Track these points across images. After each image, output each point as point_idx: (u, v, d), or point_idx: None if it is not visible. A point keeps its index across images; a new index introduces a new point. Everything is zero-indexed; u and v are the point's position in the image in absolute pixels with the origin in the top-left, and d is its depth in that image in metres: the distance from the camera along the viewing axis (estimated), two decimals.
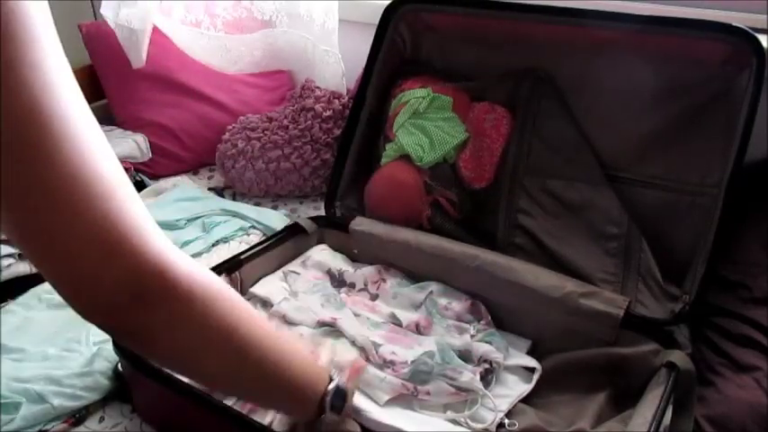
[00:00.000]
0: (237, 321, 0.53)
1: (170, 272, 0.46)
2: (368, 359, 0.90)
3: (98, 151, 0.45)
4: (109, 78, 1.55)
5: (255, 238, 1.19)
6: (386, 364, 0.88)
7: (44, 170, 0.42)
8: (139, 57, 1.47)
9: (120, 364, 0.88)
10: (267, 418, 0.78)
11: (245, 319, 0.54)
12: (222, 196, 1.42)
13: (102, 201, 0.43)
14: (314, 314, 0.96)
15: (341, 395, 0.66)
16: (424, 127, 1.10)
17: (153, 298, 0.46)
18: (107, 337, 0.88)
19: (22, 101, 0.41)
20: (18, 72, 0.41)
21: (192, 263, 0.49)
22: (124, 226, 0.44)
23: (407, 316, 0.99)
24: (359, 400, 0.83)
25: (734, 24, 0.89)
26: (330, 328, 0.94)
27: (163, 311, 0.47)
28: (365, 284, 1.06)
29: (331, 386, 0.65)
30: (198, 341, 0.51)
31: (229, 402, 0.80)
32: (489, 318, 0.98)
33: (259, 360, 0.56)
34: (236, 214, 1.25)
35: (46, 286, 1.06)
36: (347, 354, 0.87)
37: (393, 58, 1.17)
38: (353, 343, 0.91)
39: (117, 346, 0.82)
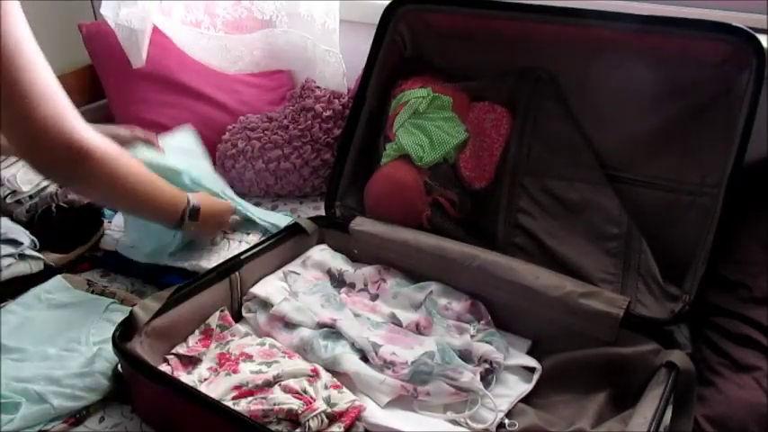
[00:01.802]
0: (134, 170, 0.90)
1: (88, 145, 0.80)
2: (368, 361, 0.90)
3: (49, 75, 0.79)
4: (109, 78, 1.55)
5: (255, 237, 1.19)
6: (386, 364, 0.88)
7: (23, 89, 0.75)
8: (139, 57, 1.47)
9: (119, 365, 0.88)
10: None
11: (137, 167, 0.91)
12: None
13: (49, 103, 0.77)
14: (314, 315, 0.96)
15: (195, 210, 1.00)
16: (424, 127, 1.10)
17: (78, 160, 0.80)
18: (107, 337, 0.88)
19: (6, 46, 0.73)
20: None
21: (101, 139, 0.83)
22: (62, 118, 0.78)
23: (407, 316, 0.99)
24: (360, 401, 0.83)
25: (734, 24, 0.89)
26: (330, 330, 0.94)
27: (85, 167, 0.81)
28: (365, 284, 1.06)
29: (189, 204, 1.00)
30: (109, 183, 0.86)
31: (228, 404, 0.80)
32: (489, 318, 0.98)
33: (146, 189, 0.94)
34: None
35: (46, 286, 1.06)
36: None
37: (393, 57, 1.17)
38: (353, 345, 0.91)
39: (116, 347, 0.82)
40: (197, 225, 1.01)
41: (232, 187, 1.44)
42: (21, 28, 0.74)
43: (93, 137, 0.81)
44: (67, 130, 0.78)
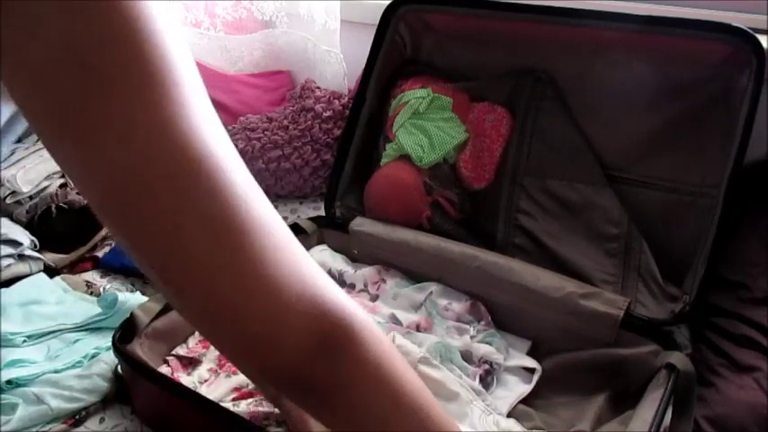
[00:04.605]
0: (405, 375, 0.47)
1: (350, 318, 0.43)
2: None
3: (259, 197, 0.42)
4: None
5: None
6: None
7: (204, 221, 0.38)
8: None
9: (119, 366, 0.88)
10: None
11: (410, 374, 0.48)
12: None
13: (274, 250, 0.41)
14: None
15: None
16: (424, 127, 1.10)
17: (338, 346, 0.42)
18: (106, 339, 0.88)
19: (169, 144, 0.38)
20: (164, 112, 0.39)
21: (357, 311, 0.45)
22: (301, 274, 0.42)
23: (407, 317, 0.99)
24: None
25: (734, 24, 0.88)
26: None
27: (348, 359, 0.43)
28: (365, 285, 1.06)
29: None
30: (378, 394, 0.45)
31: (228, 405, 0.80)
32: (489, 318, 0.98)
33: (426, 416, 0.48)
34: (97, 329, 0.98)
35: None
36: None
37: (393, 58, 1.17)
38: None
39: (116, 349, 0.82)
40: None
41: None
42: (219, 135, 0.43)
43: (356, 314, 0.44)
44: (320, 292, 0.43)
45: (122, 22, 0.36)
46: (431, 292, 1.01)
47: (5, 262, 1.07)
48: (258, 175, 1.36)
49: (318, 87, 1.45)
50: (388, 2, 1.13)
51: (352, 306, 0.44)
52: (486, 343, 0.92)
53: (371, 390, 0.45)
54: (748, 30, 0.88)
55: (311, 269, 0.43)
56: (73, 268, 1.16)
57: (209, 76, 1.56)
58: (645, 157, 0.99)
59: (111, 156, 0.36)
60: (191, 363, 0.90)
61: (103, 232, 1.21)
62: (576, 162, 1.02)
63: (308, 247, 1.11)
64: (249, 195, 0.40)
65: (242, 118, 1.46)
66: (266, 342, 0.41)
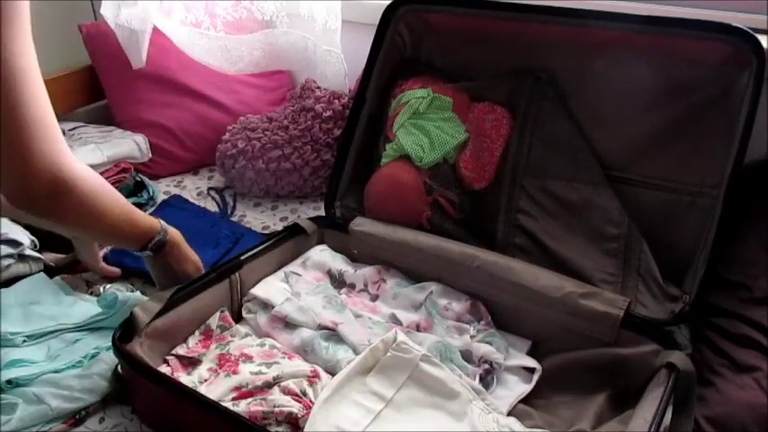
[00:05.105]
0: (112, 203, 0.85)
1: (73, 179, 0.76)
2: None
3: (47, 105, 0.73)
4: (109, 78, 1.55)
5: None
6: None
7: (22, 121, 0.70)
8: (139, 57, 1.47)
9: (119, 366, 0.88)
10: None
11: (115, 200, 0.86)
12: (222, 196, 1.42)
13: (45, 136, 0.73)
14: (315, 315, 0.96)
15: (160, 244, 0.94)
16: (424, 127, 1.10)
17: (62, 194, 0.75)
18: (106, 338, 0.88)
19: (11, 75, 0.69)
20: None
21: (84, 170, 0.78)
22: (54, 153, 0.73)
23: (408, 316, 0.99)
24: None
25: (734, 24, 0.89)
26: (330, 332, 0.94)
27: (66, 202, 0.76)
28: (365, 285, 1.06)
29: (157, 237, 0.93)
30: (87, 216, 0.82)
31: (228, 405, 0.80)
32: (489, 318, 0.98)
33: (121, 221, 0.88)
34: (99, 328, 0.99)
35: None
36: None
37: (393, 58, 1.17)
38: (354, 351, 0.91)
39: (116, 349, 0.82)
40: (157, 259, 0.95)
41: (232, 187, 1.44)
42: (27, 55, 0.70)
43: (77, 170, 0.77)
44: (56, 166, 0.74)
45: None
46: (431, 292, 1.01)
47: (5, 262, 1.07)
48: (258, 174, 1.37)
49: (319, 87, 1.45)
50: (388, 2, 1.13)
51: (70, 169, 0.75)
52: (486, 343, 0.92)
53: (83, 213, 0.80)
54: (748, 30, 0.88)
55: (62, 145, 0.75)
56: (73, 268, 1.16)
57: (210, 77, 1.57)
58: (645, 157, 1.00)
59: None
60: (191, 362, 0.90)
61: None
62: (576, 162, 1.02)
63: (307, 248, 1.11)
64: (38, 96, 0.72)
65: (242, 118, 1.46)
66: (15, 179, 0.73)
